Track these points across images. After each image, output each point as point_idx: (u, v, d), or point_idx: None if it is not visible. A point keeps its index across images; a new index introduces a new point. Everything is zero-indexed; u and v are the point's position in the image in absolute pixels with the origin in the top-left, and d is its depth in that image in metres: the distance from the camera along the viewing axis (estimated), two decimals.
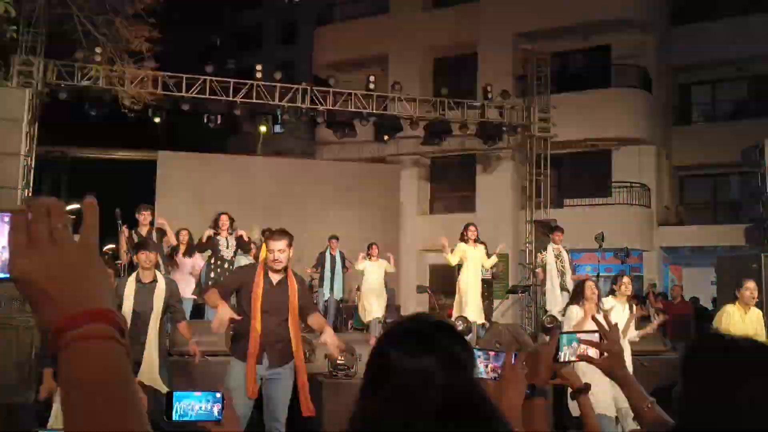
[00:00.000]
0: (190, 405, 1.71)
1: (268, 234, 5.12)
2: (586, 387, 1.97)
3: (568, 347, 1.78)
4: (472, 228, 9.85)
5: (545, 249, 10.44)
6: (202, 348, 7.40)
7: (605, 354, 1.82)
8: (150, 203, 14.17)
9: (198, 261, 9.79)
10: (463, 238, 9.79)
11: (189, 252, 9.65)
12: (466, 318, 9.42)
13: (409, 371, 1.38)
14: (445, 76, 18.77)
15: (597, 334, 1.82)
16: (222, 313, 4.61)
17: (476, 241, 9.81)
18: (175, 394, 1.71)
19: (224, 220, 9.68)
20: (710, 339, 1.53)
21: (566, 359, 1.78)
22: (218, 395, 1.73)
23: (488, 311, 11.02)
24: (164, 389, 5.54)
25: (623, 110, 17.12)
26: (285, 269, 4.99)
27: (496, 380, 1.69)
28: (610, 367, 1.80)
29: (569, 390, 1.98)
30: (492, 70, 17.29)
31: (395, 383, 1.38)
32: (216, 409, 1.72)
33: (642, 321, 9.84)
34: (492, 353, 1.73)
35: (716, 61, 18.10)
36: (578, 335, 1.83)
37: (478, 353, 1.74)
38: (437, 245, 9.88)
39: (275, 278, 4.95)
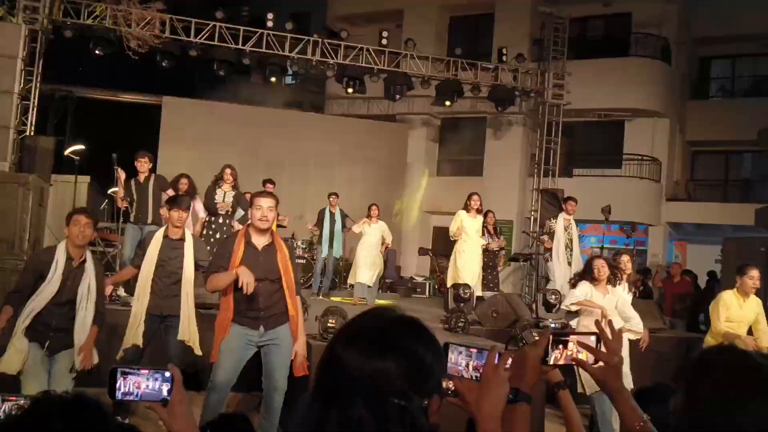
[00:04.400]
0: (136, 383, 1.59)
1: (254, 193, 4.92)
2: (566, 382, 1.83)
3: (559, 351, 1.63)
4: (476, 198, 9.58)
5: (555, 217, 10.19)
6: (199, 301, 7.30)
7: (602, 363, 1.66)
8: (153, 148, 14.09)
9: (198, 207, 9.62)
10: (466, 207, 9.56)
11: (190, 196, 9.48)
12: (468, 285, 9.25)
13: (363, 376, 1.23)
14: (460, 36, 18.34)
15: (594, 338, 1.66)
16: (243, 275, 4.45)
17: (478, 211, 9.57)
18: (119, 370, 1.58)
19: (228, 174, 9.49)
20: (723, 353, 1.37)
21: (556, 363, 1.62)
22: (167, 374, 1.60)
23: (495, 280, 10.78)
24: (198, 349, 5.59)
25: (640, 81, 16.74)
26: (271, 233, 4.85)
27: (476, 380, 1.54)
28: (605, 377, 1.64)
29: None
30: (508, 32, 16.89)
31: (347, 391, 1.23)
32: (165, 389, 1.60)
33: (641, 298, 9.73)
34: (474, 350, 1.58)
35: (738, 35, 17.62)
36: (572, 337, 1.67)
37: (459, 349, 1.59)
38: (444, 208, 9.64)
39: (260, 242, 4.76)
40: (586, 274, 6.07)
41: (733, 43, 18.31)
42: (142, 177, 8.58)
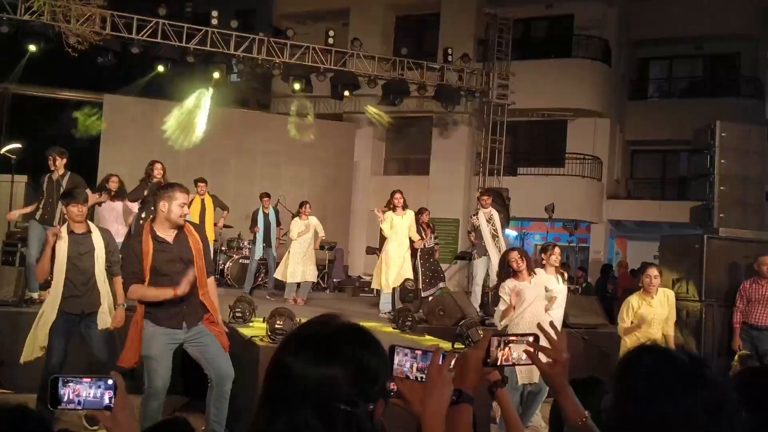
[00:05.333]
0: (78, 391, 1.57)
1: (170, 186, 4.65)
2: (503, 380, 1.89)
3: (500, 351, 1.68)
4: (398, 195, 9.35)
5: (476, 214, 10.25)
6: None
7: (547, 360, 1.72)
8: (94, 147, 13.78)
9: (131, 207, 9.38)
10: (390, 206, 9.33)
11: (119, 196, 9.26)
12: (411, 279, 9.29)
13: (310, 383, 1.26)
14: (406, 35, 18.46)
15: (531, 338, 1.72)
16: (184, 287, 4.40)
17: (404, 208, 9.38)
18: (61, 379, 1.56)
19: (158, 169, 9.30)
20: (646, 351, 1.44)
21: (497, 363, 1.67)
22: (110, 381, 1.58)
23: (440, 274, 10.89)
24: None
25: (582, 82, 17.12)
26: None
27: (421, 381, 1.58)
28: (553, 374, 1.70)
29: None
30: (454, 33, 17.06)
31: (295, 398, 1.26)
32: (107, 396, 1.58)
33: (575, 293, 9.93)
34: (419, 352, 1.61)
35: (674, 37, 18.22)
36: (512, 338, 1.72)
37: (404, 351, 1.62)
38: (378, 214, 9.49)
39: (169, 234, 4.59)
40: (504, 269, 6.22)
41: (669, 45, 18.91)
42: (56, 174, 8.01)
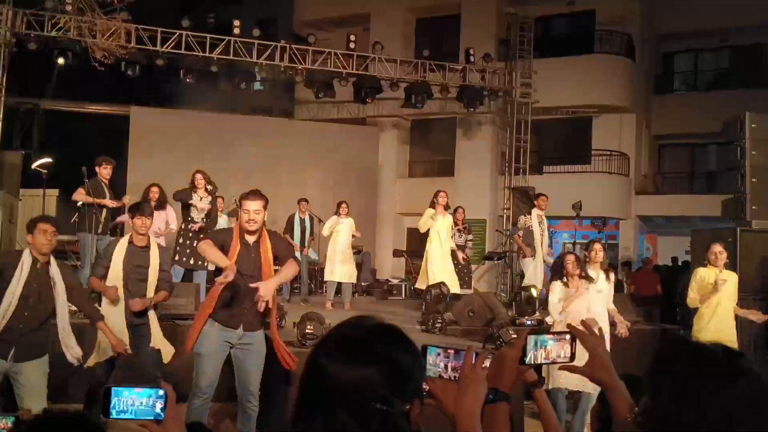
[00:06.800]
0: (130, 401, 1.60)
1: (244, 194, 4.93)
2: (541, 381, 1.88)
3: (536, 350, 1.67)
4: (442, 194, 9.48)
5: (528, 213, 10.26)
6: (174, 312, 7.22)
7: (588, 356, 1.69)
8: (122, 159, 13.94)
9: (170, 217, 9.43)
10: (433, 205, 9.48)
11: (159, 206, 9.33)
12: (443, 283, 9.27)
13: (346, 383, 1.27)
14: (428, 37, 18.46)
15: (569, 335, 1.70)
16: (230, 270, 4.48)
17: (446, 208, 9.53)
18: (114, 389, 1.59)
19: (199, 179, 9.38)
20: (678, 347, 1.42)
21: (533, 362, 1.66)
22: (161, 392, 1.61)
23: (467, 277, 10.87)
24: (166, 356, 5.56)
25: (606, 77, 16.96)
26: (261, 231, 4.88)
27: (455, 380, 1.58)
28: (595, 372, 1.68)
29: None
30: (475, 33, 17.02)
31: (331, 399, 1.27)
32: (158, 406, 1.61)
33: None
34: (452, 351, 1.61)
35: (699, 30, 17.95)
36: (548, 336, 1.71)
37: (437, 350, 1.62)
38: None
39: (250, 240, 4.83)
40: (559, 272, 6.20)
41: (694, 38, 18.65)
42: (102, 185, 8.25)
